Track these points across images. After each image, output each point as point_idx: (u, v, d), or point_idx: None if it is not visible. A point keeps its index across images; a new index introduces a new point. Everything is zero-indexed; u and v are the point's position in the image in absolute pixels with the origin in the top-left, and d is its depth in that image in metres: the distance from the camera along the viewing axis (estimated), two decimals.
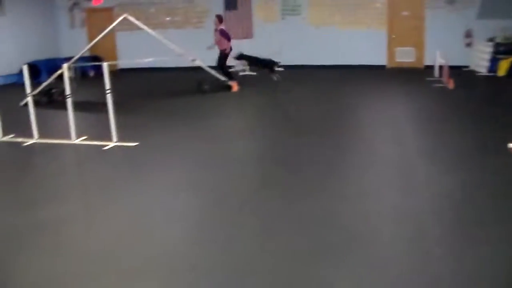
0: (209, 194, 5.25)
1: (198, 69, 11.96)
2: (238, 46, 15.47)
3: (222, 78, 11.77)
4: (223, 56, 12.41)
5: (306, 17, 16.04)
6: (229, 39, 12.37)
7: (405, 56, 15.46)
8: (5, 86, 14.73)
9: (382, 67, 15.44)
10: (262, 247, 3.95)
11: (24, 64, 8.31)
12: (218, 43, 12.48)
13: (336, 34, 15.64)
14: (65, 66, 8.22)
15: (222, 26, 12.56)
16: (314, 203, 4.78)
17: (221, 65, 12.45)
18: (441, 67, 12.25)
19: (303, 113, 9.29)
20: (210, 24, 16.67)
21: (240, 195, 5.16)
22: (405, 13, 15.39)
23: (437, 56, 12.71)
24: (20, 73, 14.56)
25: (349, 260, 3.66)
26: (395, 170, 5.75)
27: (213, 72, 11.76)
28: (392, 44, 15.53)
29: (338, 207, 4.68)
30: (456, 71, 12.45)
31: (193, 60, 11.70)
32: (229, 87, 11.71)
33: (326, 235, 4.07)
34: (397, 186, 5.19)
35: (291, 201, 4.88)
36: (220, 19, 12.65)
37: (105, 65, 7.45)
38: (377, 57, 15.49)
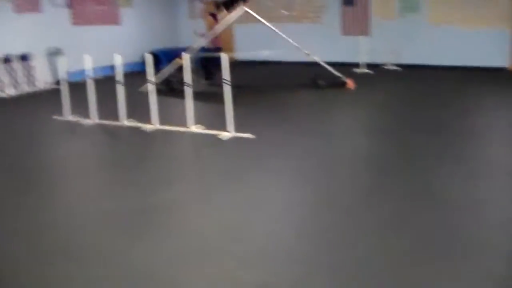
0: (321, 192, 5.19)
1: (314, 64, 11.87)
2: (354, 42, 15.28)
3: (338, 74, 11.61)
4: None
5: (425, 14, 15.44)
6: None
7: None
8: (128, 74, 15.40)
9: (503, 69, 14.50)
10: (371, 249, 3.83)
11: (146, 53, 8.64)
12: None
13: (456, 33, 14.90)
14: (184, 55, 8.42)
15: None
16: (429, 209, 4.57)
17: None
18: None
19: (418, 113, 8.93)
20: (326, 19, 16.63)
21: (351, 196, 5.05)
22: None
23: None
24: (143, 61, 15.33)
25: (466, 270, 3.46)
26: None
27: (329, 67, 11.63)
28: None
29: (455, 215, 4.43)
30: None
31: (308, 54, 11.62)
32: (344, 84, 11.53)
33: (442, 243, 3.87)
34: None
35: (404, 205, 4.69)
36: (214, 17, 12.59)
37: (223, 57, 7.55)
38: (500, 58, 14.56)
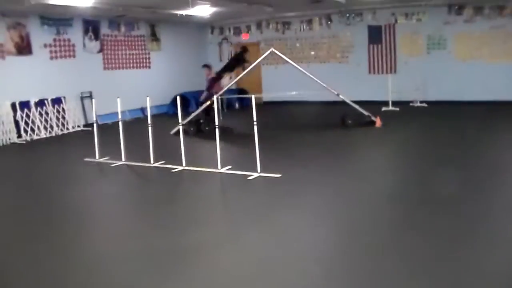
0: (348, 231, 5.16)
1: (341, 103, 11.92)
2: (381, 81, 15.31)
3: (366, 112, 11.63)
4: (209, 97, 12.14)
5: (452, 51, 15.45)
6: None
7: None
8: (157, 116, 15.67)
9: None
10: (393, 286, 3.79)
11: (175, 95, 8.80)
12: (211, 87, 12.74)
13: (484, 68, 14.84)
14: (214, 98, 8.59)
15: (213, 75, 13.04)
16: (460, 247, 4.50)
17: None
18: None
19: (443, 150, 8.84)
20: (353, 58, 16.75)
21: (378, 235, 5.00)
22: None
23: None
24: (171, 103, 15.64)
25: None
26: None
27: (356, 106, 11.67)
28: None
29: (485, 253, 4.36)
30: None
31: (338, 94, 11.69)
32: (373, 123, 11.54)
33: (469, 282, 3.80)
34: None
35: (433, 243, 4.63)
36: (209, 67, 13.34)
37: (252, 97, 7.66)
38: None
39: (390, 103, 14.61)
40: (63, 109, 13.35)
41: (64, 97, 13.43)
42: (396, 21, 16.08)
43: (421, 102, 15.08)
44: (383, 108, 14.35)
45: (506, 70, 14.51)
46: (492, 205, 5.71)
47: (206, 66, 13.48)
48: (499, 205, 5.71)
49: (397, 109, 14.30)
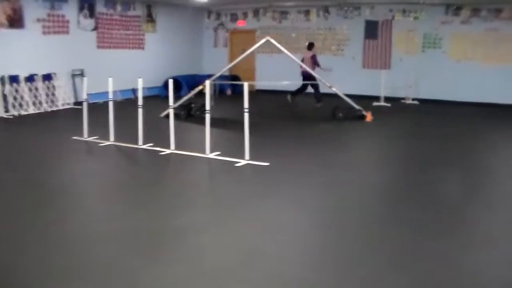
0: (333, 221, 5.16)
1: (334, 95, 11.91)
2: (375, 76, 15.31)
3: (357, 106, 11.62)
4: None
5: (446, 50, 15.46)
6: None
7: None
8: (149, 98, 15.57)
9: None
10: (378, 279, 3.79)
11: (167, 78, 8.73)
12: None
13: (477, 70, 14.87)
14: (206, 82, 8.52)
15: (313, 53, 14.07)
16: (443, 242, 4.51)
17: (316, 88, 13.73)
18: None
19: (435, 147, 8.87)
20: (348, 52, 16.72)
21: (364, 226, 5.01)
22: None
23: None
24: (164, 86, 15.54)
25: None
26: None
27: (348, 100, 11.66)
28: None
29: (462, 251, 4.39)
30: None
31: (330, 87, 11.66)
32: (363, 117, 11.53)
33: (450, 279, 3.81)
34: None
35: (415, 240, 4.64)
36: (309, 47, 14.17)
37: (245, 85, 7.62)
38: None
39: (382, 98, 14.63)
40: (53, 86, 13.22)
41: (55, 74, 13.28)
42: (393, 17, 16.05)
43: (413, 99, 15.11)
44: (375, 103, 14.36)
45: (499, 73, 14.54)
46: (475, 199, 5.75)
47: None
48: (479, 206, 5.74)
49: (389, 105, 14.32)
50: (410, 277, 3.87)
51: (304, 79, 13.70)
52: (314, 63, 13.87)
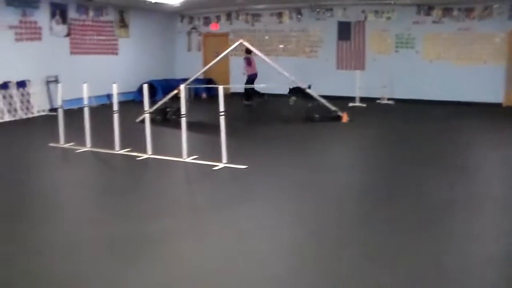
0: (311, 223, 5.20)
1: (309, 97, 12.00)
2: (349, 77, 15.45)
3: (333, 108, 11.72)
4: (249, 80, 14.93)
5: (419, 50, 15.67)
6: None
7: None
8: (124, 103, 15.51)
9: (498, 105, 14.62)
10: (357, 277, 3.85)
11: (142, 83, 8.72)
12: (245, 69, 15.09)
13: (450, 69, 15.10)
14: (182, 87, 8.54)
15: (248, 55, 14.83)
16: (415, 241, 4.60)
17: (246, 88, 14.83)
18: None
19: (411, 147, 9.01)
20: (322, 53, 16.84)
21: (342, 228, 5.07)
22: None
23: None
24: (138, 91, 15.49)
25: None
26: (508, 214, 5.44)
27: (324, 101, 11.75)
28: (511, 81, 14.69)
29: (440, 246, 4.47)
30: None
31: (304, 88, 11.75)
32: (338, 118, 11.64)
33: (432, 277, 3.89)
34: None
35: (392, 237, 4.72)
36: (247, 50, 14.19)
37: (220, 88, 7.66)
38: (494, 94, 14.68)
39: (358, 99, 14.78)
40: (28, 93, 13.10)
41: (29, 81, 13.16)
42: (365, 18, 16.22)
43: (388, 99, 15.29)
44: (351, 104, 14.50)
45: (472, 72, 14.79)
46: (450, 201, 5.85)
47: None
48: (456, 203, 5.85)
49: (364, 105, 14.47)
50: (389, 275, 3.94)
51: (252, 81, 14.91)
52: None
